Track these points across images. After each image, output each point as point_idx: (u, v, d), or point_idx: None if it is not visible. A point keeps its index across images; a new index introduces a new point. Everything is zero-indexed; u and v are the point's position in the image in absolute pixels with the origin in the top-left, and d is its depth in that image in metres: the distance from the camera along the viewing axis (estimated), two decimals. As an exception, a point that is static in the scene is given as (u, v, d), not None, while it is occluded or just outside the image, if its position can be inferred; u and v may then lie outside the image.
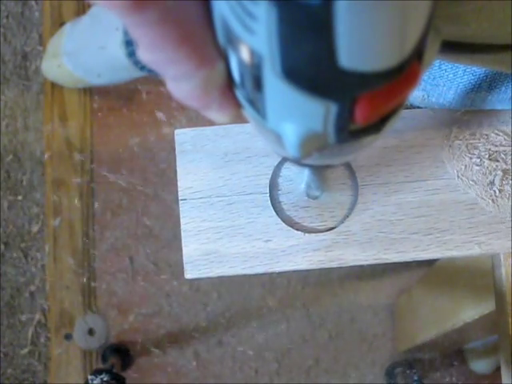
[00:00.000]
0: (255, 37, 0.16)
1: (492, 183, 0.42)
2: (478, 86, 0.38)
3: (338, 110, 0.17)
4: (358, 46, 0.15)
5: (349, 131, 0.19)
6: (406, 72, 0.17)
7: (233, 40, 0.17)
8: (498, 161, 0.43)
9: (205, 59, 0.18)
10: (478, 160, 0.43)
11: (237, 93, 0.20)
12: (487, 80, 0.37)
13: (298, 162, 0.25)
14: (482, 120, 0.44)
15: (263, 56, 0.16)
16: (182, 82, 0.19)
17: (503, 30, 0.26)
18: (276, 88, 0.17)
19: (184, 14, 0.17)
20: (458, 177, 0.43)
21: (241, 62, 0.17)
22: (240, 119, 0.23)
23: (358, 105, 0.17)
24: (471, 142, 0.43)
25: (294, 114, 0.18)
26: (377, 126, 0.20)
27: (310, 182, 0.39)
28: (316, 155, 0.21)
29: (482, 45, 0.28)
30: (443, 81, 0.38)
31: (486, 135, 0.43)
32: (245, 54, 0.17)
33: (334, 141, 0.20)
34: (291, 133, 0.19)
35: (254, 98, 0.19)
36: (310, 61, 0.16)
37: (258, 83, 0.18)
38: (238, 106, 0.21)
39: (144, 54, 0.18)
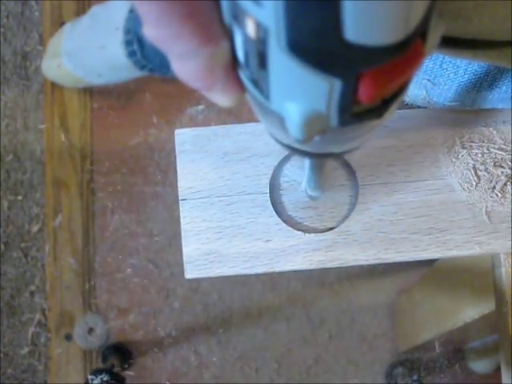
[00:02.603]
0: (262, 9, 0.16)
1: (494, 188, 0.42)
2: (479, 86, 0.38)
3: (342, 87, 0.18)
4: (364, 19, 0.15)
5: (351, 113, 0.19)
6: (409, 49, 0.17)
7: (239, 15, 0.17)
8: (502, 167, 0.43)
9: (210, 36, 0.18)
10: (482, 166, 0.43)
11: (241, 74, 0.20)
12: (488, 79, 0.37)
13: (299, 149, 0.25)
14: (482, 120, 0.44)
15: (269, 29, 0.16)
16: (186, 61, 0.19)
17: (505, 26, 0.26)
18: (281, 64, 0.17)
19: None
20: (458, 182, 0.43)
21: (246, 39, 0.18)
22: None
23: (362, 82, 0.17)
24: (474, 150, 0.43)
25: (298, 92, 0.18)
26: (378, 109, 0.20)
27: (310, 181, 0.39)
28: (318, 140, 0.21)
29: (484, 41, 0.28)
30: (444, 80, 0.38)
31: (490, 143, 0.43)
32: (251, 29, 0.17)
33: (337, 122, 0.20)
34: (295, 113, 0.19)
35: (258, 78, 0.19)
36: (316, 34, 0.16)
37: (262, 60, 0.18)
38: (242, 88, 0.21)
39: (149, 31, 0.18)
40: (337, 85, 0.17)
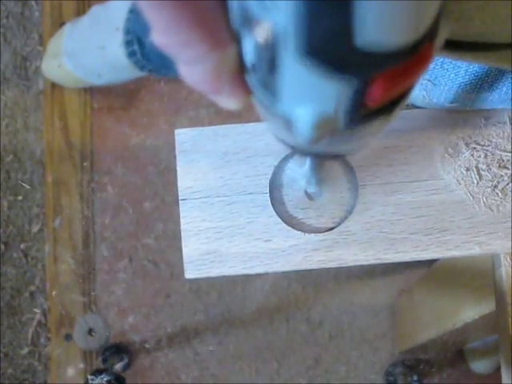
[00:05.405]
0: (275, 15, 0.16)
1: (496, 187, 0.42)
2: (480, 87, 0.38)
3: (353, 90, 0.18)
4: (377, 23, 0.15)
5: (361, 114, 0.19)
6: (419, 52, 0.17)
7: (250, 20, 0.17)
8: (507, 168, 0.43)
9: (218, 42, 0.18)
10: (485, 166, 0.43)
11: (248, 78, 0.20)
12: (489, 81, 0.37)
13: (305, 149, 0.25)
14: (483, 120, 0.44)
15: (282, 35, 0.16)
16: (194, 66, 0.19)
17: (505, 27, 0.26)
18: (292, 68, 0.17)
19: None
20: (459, 181, 0.43)
21: (257, 44, 0.17)
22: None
23: (373, 85, 0.17)
24: (477, 151, 0.43)
25: (308, 95, 0.18)
26: (386, 109, 0.20)
27: (310, 178, 0.39)
28: (325, 141, 0.21)
29: (485, 44, 0.28)
30: (445, 80, 0.38)
31: (492, 144, 0.43)
32: (262, 34, 0.17)
33: (346, 123, 0.20)
34: (305, 116, 0.19)
35: (267, 82, 0.19)
36: (330, 40, 0.16)
37: (273, 65, 0.18)
38: (248, 91, 0.21)
39: (158, 38, 0.18)
40: (348, 88, 0.17)
